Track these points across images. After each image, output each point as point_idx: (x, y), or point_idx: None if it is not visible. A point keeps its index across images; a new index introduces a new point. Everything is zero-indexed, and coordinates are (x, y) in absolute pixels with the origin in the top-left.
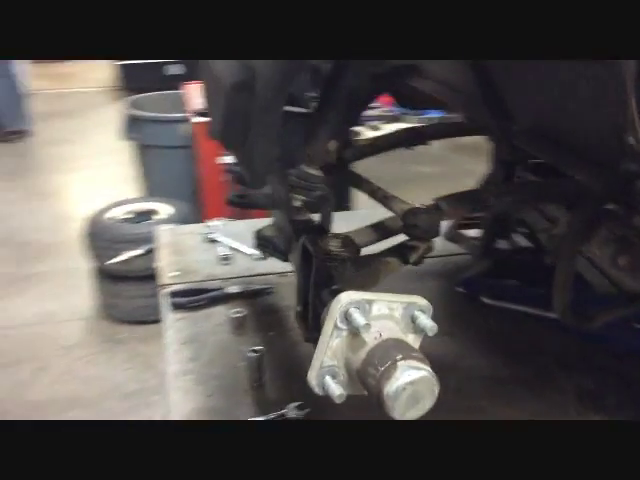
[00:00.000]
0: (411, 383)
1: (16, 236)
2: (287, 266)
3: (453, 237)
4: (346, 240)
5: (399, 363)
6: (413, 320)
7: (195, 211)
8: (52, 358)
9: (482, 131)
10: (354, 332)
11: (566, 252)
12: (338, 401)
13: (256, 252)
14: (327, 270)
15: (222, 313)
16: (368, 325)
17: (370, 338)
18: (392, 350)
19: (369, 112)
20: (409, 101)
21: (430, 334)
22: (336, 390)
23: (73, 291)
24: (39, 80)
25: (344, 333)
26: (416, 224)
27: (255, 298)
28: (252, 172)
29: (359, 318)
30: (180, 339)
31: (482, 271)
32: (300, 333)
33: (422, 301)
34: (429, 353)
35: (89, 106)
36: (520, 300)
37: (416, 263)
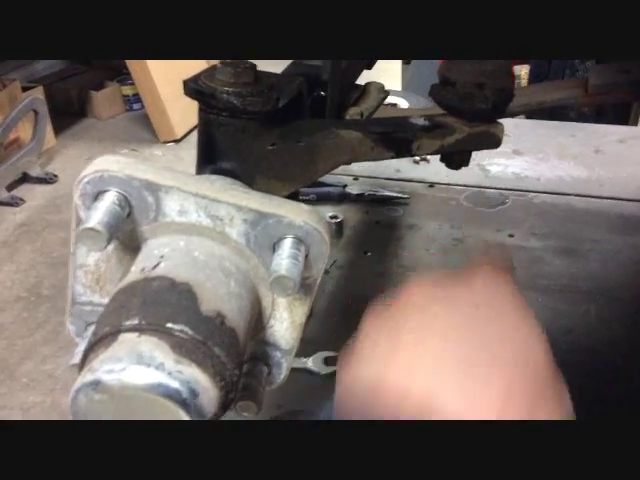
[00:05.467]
0: (105, 388)
1: None
2: (444, 176)
3: None
4: (244, 71)
5: (122, 337)
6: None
7: None
8: None
9: None
10: (129, 245)
11: None
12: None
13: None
14: (209, 132)
15: (325, 214)
16: (94, 232)
17: (139, 265)
18: (139, 304)
19: None
20: None
21: (281, 294)
22: (78, 346)
23: None
24: None
25: (109, 247)
26: (452, 79)
27: (381, 205)
28: None
29: (96, 213)
30: None
31: None
32: (405, 263)
33: (298, 218)
34: None
35: None
36: None
37: (452, 164)
